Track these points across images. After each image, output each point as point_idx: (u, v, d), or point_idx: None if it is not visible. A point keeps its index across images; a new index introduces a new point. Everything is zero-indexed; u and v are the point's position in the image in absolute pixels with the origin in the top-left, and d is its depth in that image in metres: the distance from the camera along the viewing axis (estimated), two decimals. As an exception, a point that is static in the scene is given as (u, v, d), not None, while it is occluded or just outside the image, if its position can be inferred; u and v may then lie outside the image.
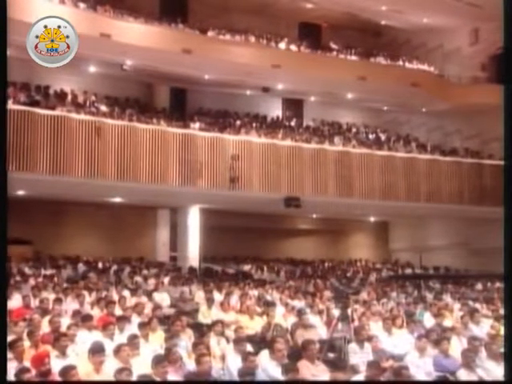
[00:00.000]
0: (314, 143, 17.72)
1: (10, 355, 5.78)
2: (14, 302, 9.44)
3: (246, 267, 17.77)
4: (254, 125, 18.69)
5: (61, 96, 16.73)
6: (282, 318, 9.09)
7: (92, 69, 18.11)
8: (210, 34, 18.21)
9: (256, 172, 16.31)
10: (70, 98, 16.90)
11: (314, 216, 21.96)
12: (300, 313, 8.79)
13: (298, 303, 10.53)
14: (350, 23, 21.23)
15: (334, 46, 20.69)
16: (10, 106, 13.97)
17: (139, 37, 16.39)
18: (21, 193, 15.34)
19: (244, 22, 19.37)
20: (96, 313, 8.53)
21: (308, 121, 21.60)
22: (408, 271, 19.52)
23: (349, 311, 7.70)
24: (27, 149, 13.62)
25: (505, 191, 4.32)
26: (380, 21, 21.37)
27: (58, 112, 14.56)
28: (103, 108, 16.70)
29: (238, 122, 18.62)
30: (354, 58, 20.16)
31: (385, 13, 19.98)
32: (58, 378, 4.98)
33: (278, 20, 20.30)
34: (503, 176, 4.35)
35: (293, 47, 19.49)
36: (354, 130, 21.36)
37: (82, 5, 16.29)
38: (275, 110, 21.53)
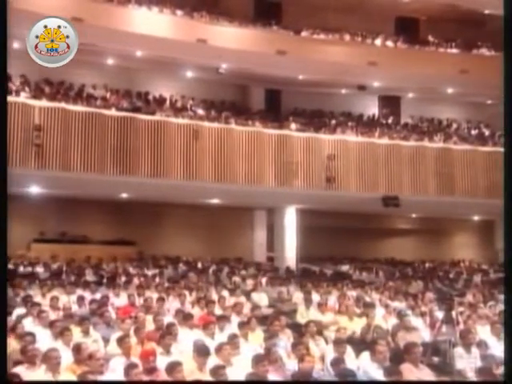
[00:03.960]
0: (412, 141, 17.29)
1: (118, 351, 6.04)
2: (121, 300, 9.86)
3: (344, 268, 17.54)
4: (349, 124, 18.44)
5: (160, 101, 17.30)
6: (382, 319, 8.87)
7: (189, 74, 18.56)
8: (304, 34, 18.15)
9: (353, 171, 16.14)
10: (168, 102, 17.45)
11: (414, 215, 21.32)
12: (401, 314, 8.55)
13: (399, 304, 10.26)
14: (450, 15, 20.38)
15: (432, 39, 19.97)
16: (114, 112, 14.64)
17: (234, 40, 16.62)
18: (124, 196, 16.01)
19: (338, 20, 19.12)
20: (196, 312, 8.71)
21: (406, 118, 21.00)
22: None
23: (453, 314, 7.39)
24: (130, 153, 14.20)
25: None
26: (483, 10, 20.38)
27: (157, 117, 15.09)
28: (200, 111, 17.10)
29: (334, 122, 18.44)
30: (454, 50, 19.38)
31: (488, 1, 19.03)
32: (163, 375, 5.10)
33: (373, 16, 19.84)
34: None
35: (389, 43, 19.03)
36: (454, 125, 20.55)
37: (179, 12, 16.76)
38: (371, 108, 21.10)
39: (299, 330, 7.69)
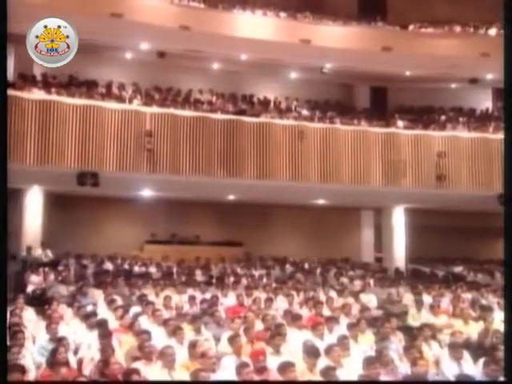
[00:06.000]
0: (531, 134, 16.26)
1: (229, 350, 6.14)
2: (229, 300, 10.03)
3: (457, 269, 16.85)
4: (460, 119, 17.69)
5: (265, 103, 17.47)
6: (502, 323, 8.41)
7: (293, 75, 18.59)
8: (411, 28, 17.64)
9: (464, 168, 15.56)
10: (273, 104, 17.58)
11: (533, 214, 20.07)
12: (523, 319, 8.04)
13: (520, 309, 9.66)
14: None
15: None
16: (220, 116, 14.96)
17: (338, 39, 16.44)
18: (231, 197, 16.31)
19: (447, 11, 18.35)
20: (305, 312, 8.69)
21: (523, 110, 19.80)
22: None
23: None
24: (236, 155, 14.46)
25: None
26: None
27: (262, 119, 15.25)
28: (305, 112, 17.09)
29: (443, 118, 17.79)
30: None
31: None
32: (273, 374, 5.12)
33: (485, 5, 18.86)
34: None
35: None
36: None
37: (282, 14, 16.86)
38: (484, 102, 20.08)
39: (411, 333, 7.46)
